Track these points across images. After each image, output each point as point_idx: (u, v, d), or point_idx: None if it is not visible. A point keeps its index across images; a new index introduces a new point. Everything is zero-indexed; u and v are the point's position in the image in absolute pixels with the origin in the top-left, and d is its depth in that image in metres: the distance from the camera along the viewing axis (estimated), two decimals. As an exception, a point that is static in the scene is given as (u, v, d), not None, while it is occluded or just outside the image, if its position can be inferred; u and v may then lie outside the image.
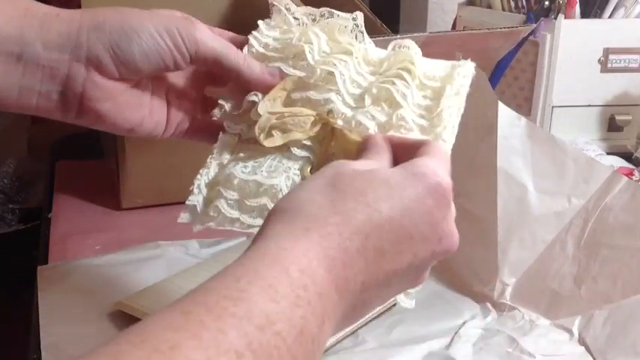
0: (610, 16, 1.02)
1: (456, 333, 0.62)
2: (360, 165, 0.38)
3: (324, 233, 0.33)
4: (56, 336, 0.59)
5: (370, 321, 0.63)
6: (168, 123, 0.49)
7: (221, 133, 0.49)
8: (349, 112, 0.46)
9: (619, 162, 0.96)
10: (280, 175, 0.46)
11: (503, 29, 0.90)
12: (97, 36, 0.42)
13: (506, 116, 0.67)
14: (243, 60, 0.46)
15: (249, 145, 0.48)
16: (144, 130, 0.48)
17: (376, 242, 0.35)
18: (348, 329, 0.61)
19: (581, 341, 0.61)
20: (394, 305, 0.66)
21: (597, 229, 0.63)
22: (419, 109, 0.46)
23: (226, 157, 0.48)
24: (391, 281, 0.36)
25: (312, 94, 0.46)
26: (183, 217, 0.48)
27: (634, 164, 0.96)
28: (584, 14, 1.02)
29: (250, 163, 0.47)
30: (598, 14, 1.02)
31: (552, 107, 1.02)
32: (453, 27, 1.24)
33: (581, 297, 0.63)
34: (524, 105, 1.04)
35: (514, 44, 0.94)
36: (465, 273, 0.70)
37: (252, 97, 0.48)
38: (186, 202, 0.48)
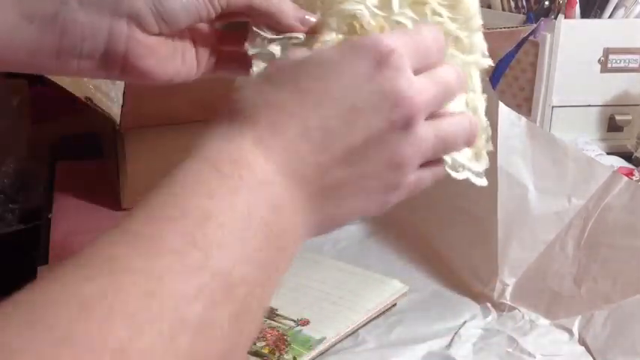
0: (610, 16, 1.02)
1: (456, 333, 0.62)
2: (299, 53, 0.37)
3: (257, 127, 0.32)
4: (56, 336, 0.59)
5: (370, 321, 0.63)
6: (198, 63, 0.48)
7: (253, 59, 0.46)
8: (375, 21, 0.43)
9: (619, 162, 0.96)
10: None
11: (503, 29, 0.90)
12: None
13: (506, 116, 0.67)
14: (276, 6, 0.43)
15: None
16: (180, 77, 0.47)
17: (318, 122, 0.33)
18: (349, 329, 0.61)
19: (581, 341, 0.61)
20: (394, 305, 0.66)
21: (597, 229, 0.63)
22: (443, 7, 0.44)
23: None
24: (354, 161, 0.34)
25: (341, 8, 0.43)
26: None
27: (634, 164, 0.96)
28: (584, 14, 1.02)
29: None
30: (598, 14, 1.02)
31: (552, 107, 1.02)
32: (453, 27, 1.24)
33: (581, 297, 0.63)
34: (524, 105, 1.04)
35: (514, 44, 0.94)
36: (465, 273, 0.70)
37: (292, 35, 0.45)
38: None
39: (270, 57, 0.44)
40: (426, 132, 0.37)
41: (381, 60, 0.35)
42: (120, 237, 0.27)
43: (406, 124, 0.35)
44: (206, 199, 0.29)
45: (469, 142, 0.41)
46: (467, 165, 0.43)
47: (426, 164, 0.39)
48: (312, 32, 0.43)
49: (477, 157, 0.44)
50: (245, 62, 0.45)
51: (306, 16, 0.43)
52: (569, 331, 0.62)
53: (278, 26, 0.44)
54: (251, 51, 0.45)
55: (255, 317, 0.30)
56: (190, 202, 0.29)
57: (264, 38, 0.45)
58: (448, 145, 0.39)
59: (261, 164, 0.31)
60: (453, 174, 0.42)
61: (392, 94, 0.35)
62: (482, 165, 0.44)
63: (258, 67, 0.44)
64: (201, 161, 0.31)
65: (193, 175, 0.30)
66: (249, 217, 0.29)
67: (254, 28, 0.45)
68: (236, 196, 0.29)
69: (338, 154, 0.34)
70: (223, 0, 0.43)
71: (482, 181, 0.44)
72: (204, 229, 0.28)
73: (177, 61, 0.46)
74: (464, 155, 0.43)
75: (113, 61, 0.43)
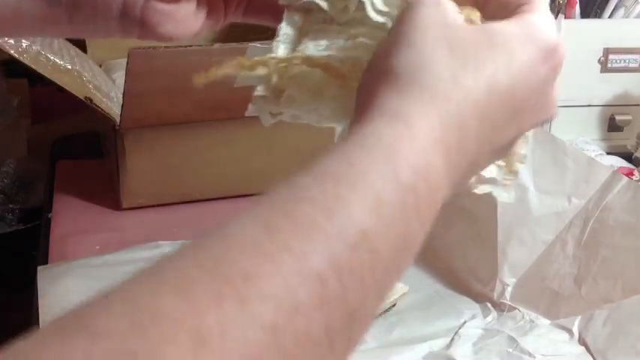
0: (610, 16, 1.02)
1: (455, 333, 0.62)
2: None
3: (445, 115, 0.29)
4: (56, 336, 0.59)
5: (370, 321, 0.63)
6: (226, 13, 0.45)
7: (285, 10, 0.41)
8: None
9: (619, 162, 0.96)
10: (359, 47, 0.38)
11: (504, 29, 0.90)
12: None
13: (506, 116, 0.67)
14: None
15: (318, 25, 0.40)
16: (203, 29, 0.45)
17: (490, 122, 0.31)
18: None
19: (581, 341, 0.61)
20: (394, 305, 0.66)
21: (597, 229, 0.63)
22: None
23: (292, 38, 0.40)
24: (490, 157, 0.34)
25: None
26: (251, 109, 0.41)
27: (634, 164, 0.96)
28: (584, 14, 1.02)
29: (324, 42, 0.39)
30: (598, 14, 1.02)
31: (552, 107, 1.02)
32: (453, 27, 1.24)
33: (581, 297, 0.63)
34: (524, 105, 1.04)
35: (514, 44, 0.94)
36: (465, 273, 0.70)
37: None
38: (254, 94, 0.40)
39: (307, 7, 0.40)
40: None
41: (554, 63, 0.35)
42: (265, 241, 0.25)
43: (541, 124, 0.36)
44: (372, 217, 0.26)
45: None
46: (492, 178, 0.39)
47: None
48: None
49: (508, 168, 0.40)
50: (277, 13, 0.41)
51: None
52: (569, 331, 0.62)
53: None
54: (283, 1, 0.40)
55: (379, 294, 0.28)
56: (354, 216, 0.26)
57: None
58: None
59: (437, 167, 0.29)
60: (475, 189, 0.39)
61: (550, 99, 0.36)
62: (512, 178, 0.40)
63: (290, 20, 0.40)
64: (381, 152, 0.28)
65: (369, 174, 0.27)
66: (404, 247, 0.27)
67: None
68: (401, 222, 0.27)
69: (486, 154, 0.33)
70: None
71: (509, 197, 0.40)
72: (354, 254, 0.25)
73: (201, 17, 0.44)
74: (491, 168, 0.39)
75: (130, 28, 0.41)
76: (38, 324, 0.61)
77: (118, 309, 0.22)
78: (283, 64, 0.39)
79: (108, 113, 0.81)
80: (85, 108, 0.82)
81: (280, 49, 0.40)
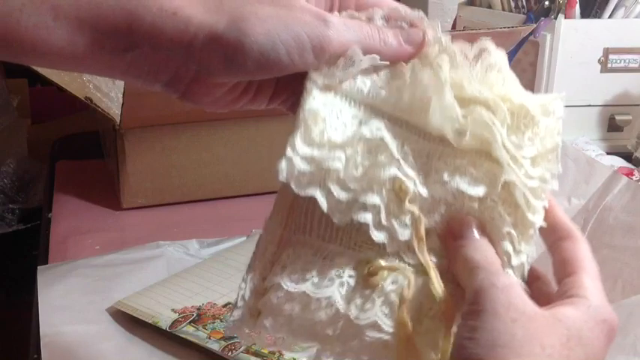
0: (610, 16, 1.02)
1: (456, 333, 0.62)
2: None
3: None
4: (56, 336, 0.59)
5: (370, 321, 0.63)
6: (272, 100, 0.44)
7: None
8: None
9: (619, 162, 0.96)
10: (332, 281, 0.37)
11: (504, 29, 0.90)
12: (213, 48, 0.37)
13: (506, 116, 0.67)
14: (380, 42, 0.38)
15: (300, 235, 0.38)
16: (244, 108, 0.44)
17: None
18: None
19: (581, 341, 0.61)
20: (394, 305, 0.66)
21: (597, 229, 0.63)
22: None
23: (271, 252, 0.38)
24: None
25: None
26: (227, 330, 0.40)
27: (634, 164, 0.96)
28: (584, 14, 1.02)
29: (299, 266, 0.37)
30: (598, 14, 1.02)
31: (552, 107, 1.02)
32: (453, 27, 1.24)
33: (581, 297, 0.63)
34: (524, 105, 1.04)
35: (514, 44, 0.94)
36: (465, 273, 0.70)
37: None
38: (230, 319, 0.39)
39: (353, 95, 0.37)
40: None
41: (611, 337, 0.37)
42: None
43: None
44: None
45: None
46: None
47: None
48: None
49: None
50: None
51: (411, 38, 0.38)
52: (569, 331, 0.62)
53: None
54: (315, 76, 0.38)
55: None
56: None
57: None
58: None
59: None
60: None
61: None
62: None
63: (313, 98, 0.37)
64: None
65: None
66: None
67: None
68: None
69: None
70: (320, 53, 0.37)
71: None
72: None
73: (243, 100, 0.43)
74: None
75: (172, 91, 0.41)
76: (38, 324, 0.61)
77: None
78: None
79: (108, 113, 0.81)
80: (85, 108, 0.83)
81: (257, 271, 0.38)
